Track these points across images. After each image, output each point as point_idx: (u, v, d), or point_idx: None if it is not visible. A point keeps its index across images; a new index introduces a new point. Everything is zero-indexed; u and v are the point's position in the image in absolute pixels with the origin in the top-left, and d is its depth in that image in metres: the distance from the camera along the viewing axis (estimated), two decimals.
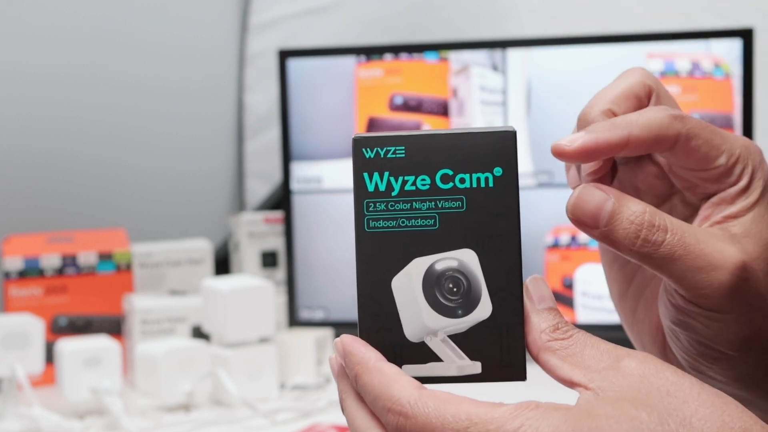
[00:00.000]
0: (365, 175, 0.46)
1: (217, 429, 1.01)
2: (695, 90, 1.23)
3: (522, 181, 1.26)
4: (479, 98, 1.28)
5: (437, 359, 0.46)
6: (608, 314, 1.25)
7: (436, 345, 0.46)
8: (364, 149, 0.46)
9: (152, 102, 1.57)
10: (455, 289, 0.46)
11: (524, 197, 1.27)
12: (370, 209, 0.46)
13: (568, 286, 1.26)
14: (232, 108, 1.70)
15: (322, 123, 1.32)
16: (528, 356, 0.46)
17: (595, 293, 1.25)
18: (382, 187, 0.46)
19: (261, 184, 1.67)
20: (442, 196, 0.46)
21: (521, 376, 0.46)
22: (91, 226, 1.37)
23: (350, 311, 1.32)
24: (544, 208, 1.26)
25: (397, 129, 1.29)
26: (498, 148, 0.47)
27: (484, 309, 0.46)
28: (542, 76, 1.27)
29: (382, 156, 0.46)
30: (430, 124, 1.29)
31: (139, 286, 1.30)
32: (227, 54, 1.69)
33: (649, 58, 1.24)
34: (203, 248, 1.34)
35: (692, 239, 0.46)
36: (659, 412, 0.41)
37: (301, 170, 1.33)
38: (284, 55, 1.33)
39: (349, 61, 1.31)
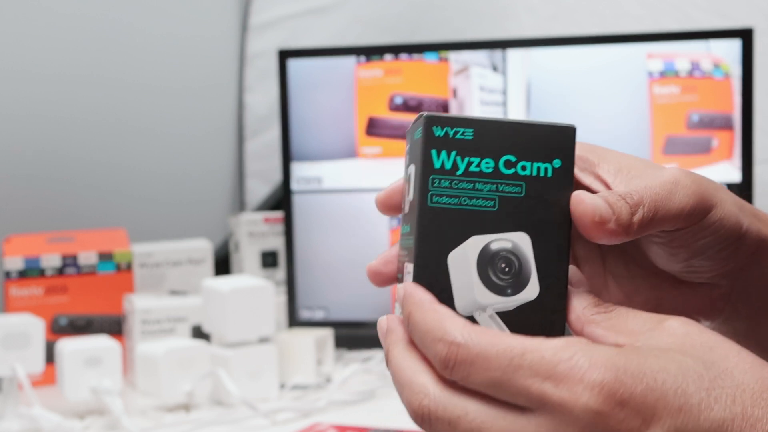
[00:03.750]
0: (433, 152, 0.48)
1: (217, 429, 1.01)
2: (695, 90, 1.23)
3: None
4: (479, 98, 1.28)
5: None
6: None
7: (483, 320, 0.48)
8: (434, 127, 0.48)
9: (153, 102, 1.57)
10: (507, 269, 0.48)
11: None
12: (435, 185, 0.48)
13: None
14: (232, 108, 1.70)
15: (322, 123, 1.32)
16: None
17: None
18: (448, 165, 0.48)
19: (261, 184, 1.67)
20: (503, 180, 0.48)
21: None
22: (91, 227, 1.37)
23: (350, 311, 1.32)
24: None
25: (398, 128, 1.30)
26: (559, 142, 0.48)
27: (532, 290, 0.48)
28: (542, 77, 1.27)
29: (450, 136, 0.48)
30: None
31: (139, 286, 1.30)
32: (227, 54, 1.69)
33: (649, 58, 1.24)
34: (203, 248, 1.34)
35: (652, 191, 0.49)
36: (704, 360, 0.43)
37: (301, 170, 1.33)
38: (284, 55, 1.33)
39: (349, 61, 1.31)
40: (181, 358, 1.06)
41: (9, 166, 1.38)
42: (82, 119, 1.47)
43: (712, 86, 1.23)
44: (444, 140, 0.48)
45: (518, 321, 0.47)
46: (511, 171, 0.48)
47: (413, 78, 1.30)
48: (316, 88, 1.32)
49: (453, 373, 0.43)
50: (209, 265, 1.34)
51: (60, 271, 1.23)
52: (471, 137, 0.48)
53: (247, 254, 1.43)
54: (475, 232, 0.47)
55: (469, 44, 1.29)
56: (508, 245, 0.48)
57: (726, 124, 1.23)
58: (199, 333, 1.20)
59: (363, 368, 1.20)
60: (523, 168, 0.48)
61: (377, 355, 1.27)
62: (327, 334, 1.22)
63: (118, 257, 1.26)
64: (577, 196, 0.47)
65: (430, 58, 1.29)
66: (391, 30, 1.64)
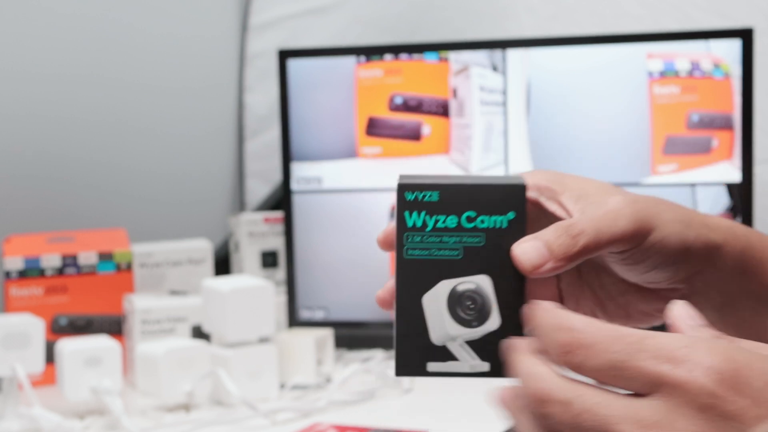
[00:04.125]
0: (406, 213, 0.58)
1: (217, 429, 1.02)
2: (695, 90, 1.23)
3: None
4: (479, 98, 1.28)
5: (455, 359, 0.58)
6: None
7: (455, 348, 0.58)
8: (406, 193, 0.58)
9: (153, 102, 1.57)
10: (472, 306, 0.57)
11: None
12: (408, 241, 0.58)
13: None
14: (232, 108, 1.70)
15: (322, 123, 1.32)
16: None
17: None
18: (419, 224, 0.58)
19: (261, 184, 1.67)
20: (465, 233, 0.57)
21: None
22: (91, 227, 1.37)
23: (350, 311, 1.33)
24: None
25: (398, 128, 1.30)
26: (512, 197, 0.57)
27: (493, 322, 0.57)
28: (542, 76, 1.27)
29: (419, 199, 0.58)
30: (430, 125, 1.29)
31: (139, 286, 1.30)
32: (227, 54, 1.69)
33: (649, 58, 1.24)
34: (203, 248, 1.34)
35: (594, 220, 0.56)
36: None
37: (301, 170, 1.33)
38: (284, 55, 1.33)
39: (349, 61, 1.31)
40: (181, 358, 1.06)
41: (9, 166, 1.38)
42: (83, 119, 1.48)
43: (712, 86, 1.23)
44: (414, 203, 0.58)
45: (484, 347, 0.57)
46: (472, 225, 0.57)
47: (413, 78, 1.30)
48: (316, 88, 1.32)
49: (572, 356, 0.46)
50: (209, 265, 1.34)
51: (60, 271, 1.23)
52: (437, 199, 0.58)
53: (247, 254, 1.43)
54: (444, 277, 0.57)
55: (469, 44, 1.29)
56: (472, 287, 0.57)
57: (726, 124, 1.23)
58: (199, 333, 1.20)
59: (363, 368, 1.20)
60: (482, 221, 0.57)
61: (377, 354, 1.27)
62: (327, 334, 1.22)
63: (118, 257, 1.26)
64: (512, 250, 0.56)
65: (430, 58, 1.29)
66: (391, 30, 1.64)
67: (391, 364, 1.19)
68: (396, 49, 1.30)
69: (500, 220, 0.58)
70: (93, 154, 1.49)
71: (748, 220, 1.22)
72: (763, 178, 1.38)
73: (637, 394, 0.44)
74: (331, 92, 1.32)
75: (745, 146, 1.22)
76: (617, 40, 1.26)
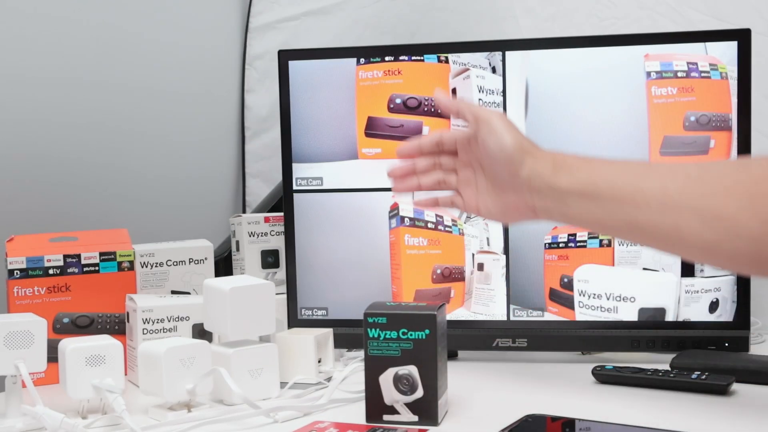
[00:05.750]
0: (369, 330, 0.98)
1: (218, 427, 1.02)
2: (692, 91, 1.24)
3: None
4: (478, 99, 1.29)
5: (398, 413, 0.97)
6: (606, 313, 1.26)
7: (399, 407, 0.98)
8: (368, 318, 0.97)
9: (154, 104, 1.58)
10: (406, 383, 0.97)
11: None
12: (370, 345, 0.98)
13: (566, 285, 1.27)
14: (233, 109, 1.71)
15: (322, 124, 1.33)
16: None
17: (592, 292, 1.26)
18: (375, 335, 0.97)
19: (262, 184, 1.68)
20: (402, 341, 0.97)
21: (435, 423, 0.97)
22: (94, 228, 1.38)
23: (350, 311, 1.33)
24: None
25: (398, 128, 1.31)
26: (427, 321, 0.96)
27: (419, 392, 0.97)
28: (540, 78, 1.28)
29: (375, 321, 0.97)
30: (430, 126, 1.30)
31: (141, 286, 1.30)
32: (228, 56, 1.69)
33: (647, 59, 1.25)
34: (205, 248, 1.35)
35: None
36: None
37: (301, 171, 1.34)
38: (285, 57, 1.34)
39: (350, 62, 1.32)
40: (182, 356, 1.06)
41: (14, 168, 1.39)
42: (85, 122, 1.48)
43: (710, 87, 1.24)
44: (372, 323, 0.97)
45: (414, 407, 0.97)
46: (405, 336, 0.96)
47: (413, 79, 1.30)
48: (316, 89, 1.33)
49: None
50: (210, 264, 1.35)
51: (62, 271, 1.24)
52: (385, 321, 0.97)
53: (248, 254, 1.44)
54: (391, 365, 0.97)
55: (468, 46, 1.30)
56: (406, 372, 0.97)
57: (723, 125, 1.24)
58: (200, 332, 1.20)
59: (363, 367, 1.20)
60: (411, 334, 0.96)
61: None
62: (327, 333, 1.23)
63: (121, 257, 1.26)
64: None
65: (429, 59, 1.30)
66: (391, 32, 1.65)
67: None
68: (396, 51, 1.31)
69: (421, 334, 0.96)
70: (95, 156, 1.50)
71: None
72: None
73: None
74: (331, 93, 1.33)
75: (742, 147, 1.23)
76: (615, 41, 1.27)
